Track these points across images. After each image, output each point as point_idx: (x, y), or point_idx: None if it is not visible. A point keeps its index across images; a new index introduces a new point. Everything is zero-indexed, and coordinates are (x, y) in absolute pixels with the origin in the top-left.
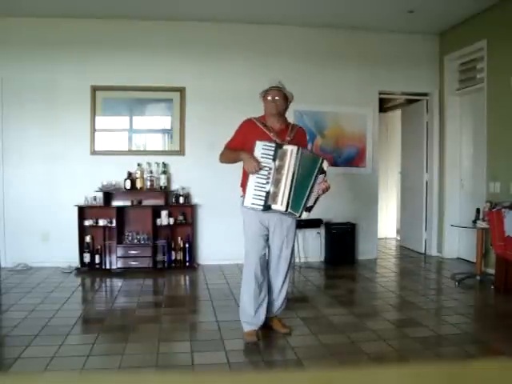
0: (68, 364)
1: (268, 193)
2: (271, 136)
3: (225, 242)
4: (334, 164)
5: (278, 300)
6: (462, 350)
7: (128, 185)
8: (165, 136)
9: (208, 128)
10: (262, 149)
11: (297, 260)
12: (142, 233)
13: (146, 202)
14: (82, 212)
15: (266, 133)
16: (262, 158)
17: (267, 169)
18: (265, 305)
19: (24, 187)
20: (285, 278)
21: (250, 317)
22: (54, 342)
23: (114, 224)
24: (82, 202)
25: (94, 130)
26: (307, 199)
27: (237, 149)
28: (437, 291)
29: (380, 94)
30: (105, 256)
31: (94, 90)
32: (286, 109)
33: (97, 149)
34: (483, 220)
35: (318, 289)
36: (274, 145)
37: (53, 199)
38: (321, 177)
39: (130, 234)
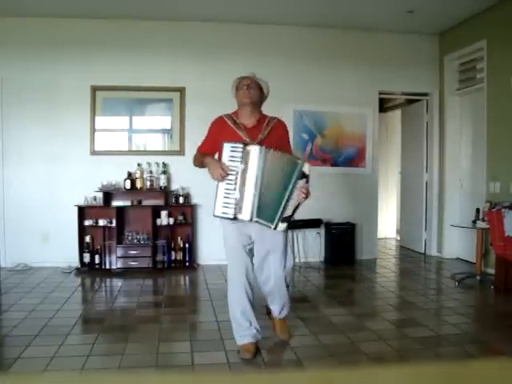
0: (68, 364)
1: (236, 200)
2: (241, 135)
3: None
4: (334, 164)
5: (275, 305)
6: (462, 350)
7: (128, 185)
8: (165, 136)
9: (208, 127)
10: (229, 151)
11: (297, 260)
12: (142, 233)
13: (145, 202)
14: (82, 212)
15: (236, 131)
16: (230, 161)
17: (234, 173)
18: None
19: (24, 187)
20: (275, 287)
21: (245, 328)
22: (54, 342)
23: (113, 224)
24: (81, 202)
25: (93, 130)
26: (284, 208)
27: (207, 152)
28: (437, 291)
29: (380, 94)
30: (105, 256)
31: (94, 90)
32: (261, 101)
33: (97, 149)
34: (483, 220)
35: (318, 289)
36: (241, 145)
37: (53, 199)
38: (301, 182)
39: (130, 233)
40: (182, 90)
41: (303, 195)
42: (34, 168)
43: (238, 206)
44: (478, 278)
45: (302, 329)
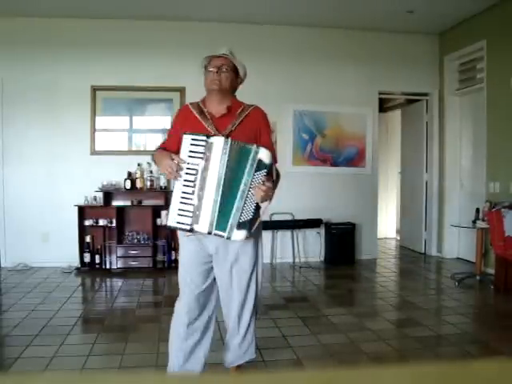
0: (68, 364)
1: (197, 206)
2: (206, 126)
3: None
4: (334, 164)
5: (233, 345)
6: (462, 350)
7: (128, 185)
8: (165, 136)
9: None
10: (189, 144)
11: (297, 260)
12: (142, 233)
13: (146, 202)
14: (82, 212)
15: (201, 122)
16: (190, 157)
17: (194, 172)
18: (201, 352)
19: (24, 187)
20: (241, 316)
21: (178, 368)
22: (54, 342)
23: (114, 224)
24: (82, 202)
25: (94, 129)
26: (241, 212)
27: (169, 148)
28: (437, 291)
29: (380, 94)
30: (105, 256)
31: (94, 90)
32: (235, 87)
33: (97, 149)
34: (483, 220)
35: (318, 289)
36: (204, 138)
37: (53, 199)
38: (259, 174)
39: (130, 233)
40: (181, 90)
41: (262, 192)
42: (34, 168)
43: (195, 215)
44: (478, 277)
45: (301, 329)
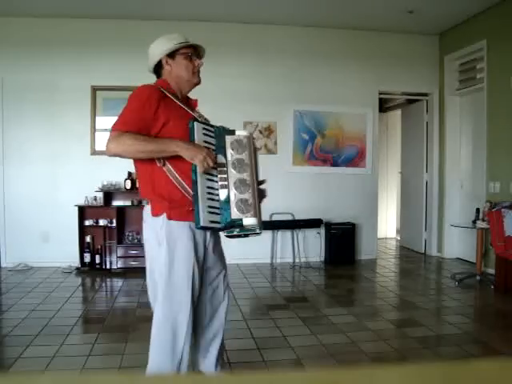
0: (68, 364)
1: (228, 201)
2: (194, 115)
3: (225, 242)
4: (334, 164)
5: (212, 355)
6: (462, 350)
7: (128, 185)
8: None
9: None
10: (202, 134)
11: (297, 260)
12: (142, 233)
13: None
14: (83, 212)
15: (186, 110)
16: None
17: (220, 165)
18: None
19: (24, 187)
20: (220, 328)
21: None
22: (54, 342)
23: (114, 224)
24: (82, 202)
25: (94, 129)
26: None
27: (141, 133)
28: (437, 291)
29: (380, 93)
30: (105, 256)
31: (95, 90)
32: None
33: (97, 149)
34: (483, 220)
35: (318, 289)
36: (213, 128)
37: (53, 199)
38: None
39: (130, 233)
40: None
41: None
42: (34, 168)
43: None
44: (478, 277)
45: (302, 329)
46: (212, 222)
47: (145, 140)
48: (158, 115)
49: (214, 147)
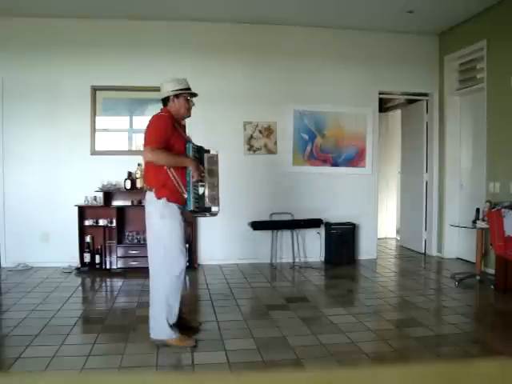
0: (68, 364)
1: (203, 195)
2: (185, 137)
3: (225, 242)
4: (334, 164)
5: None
6: (462, 350)
7: (128, 185)
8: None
9: (207, 128)
10: (191, 150)
11: (297, 260)
12: (142, 233)
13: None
14: (83, 212)
15: (181, 132)
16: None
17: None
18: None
19: (24, 187)
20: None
21: (174, 324)
22: (54, 342)
23: (114, 224)
24: (82, 202)
25: (94, 129)
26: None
27: (164, 149)
28: (437, 291)
29: (380, 93)
30: (105, 256)
31: (95, 90)
32: None
33: (97, 149)
34: (483, 220)
35: (317, 289)
36: (196, 147)
37: (53, 199)
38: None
39: (130, 233)
40: None
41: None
42: (34, 168)
43: (211, 201)
44: (478, 277)
45: (302, 329)
46: (196, 207)
47: (172, 155)
48: (168, 135)
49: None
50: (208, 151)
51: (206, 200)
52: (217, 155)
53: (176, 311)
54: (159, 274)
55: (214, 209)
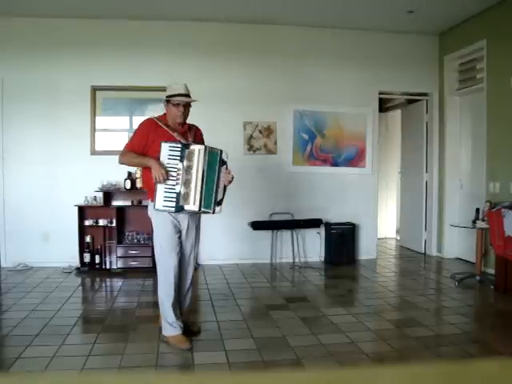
0: (68, 364)
1: (179, 194)
2: (175, 136)
3: (225, 242)
4: (334, 164)
5: (186, 300)
6: (462, 350)
7: (128, 185)
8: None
9: (207, 128)
10: (168, 150)
11: (297, 260)
12: (142, 233)
13: (146, 202)
14: (82, 212)
15: (170, 133)
16: (170, 159)
17: (175, 170)
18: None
19: (24, 187)
20: (192, 278)
21: (175, 320)
22: (54, 342)
23: (114, 224)
24: (82, 202)
25: (94, 129)
26: (216, 194)
27: (138, 151)
28: (437, 291)
29: (380, 93)
30: (105, 256)
31: (94, 90)
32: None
33: (97, 149)
34: (483, 220)
35: (317, 289)
36: (180, 145)
37: (53, 199)
38: (223, 168)
39: (130, 234)
40: None
41: (229, 178)
42: (34, 168)
43: (184, 199)
44: (478, 278)
45: (302, 329)
46: (165, 206)
47: (132, 155)
48: (148, 137)
49: (178, 159)
50: (188, 146)
51: (181, 198)
52: (195, 150)
53: (172, 314)
54: (157, 270)
55: (187, 207)
